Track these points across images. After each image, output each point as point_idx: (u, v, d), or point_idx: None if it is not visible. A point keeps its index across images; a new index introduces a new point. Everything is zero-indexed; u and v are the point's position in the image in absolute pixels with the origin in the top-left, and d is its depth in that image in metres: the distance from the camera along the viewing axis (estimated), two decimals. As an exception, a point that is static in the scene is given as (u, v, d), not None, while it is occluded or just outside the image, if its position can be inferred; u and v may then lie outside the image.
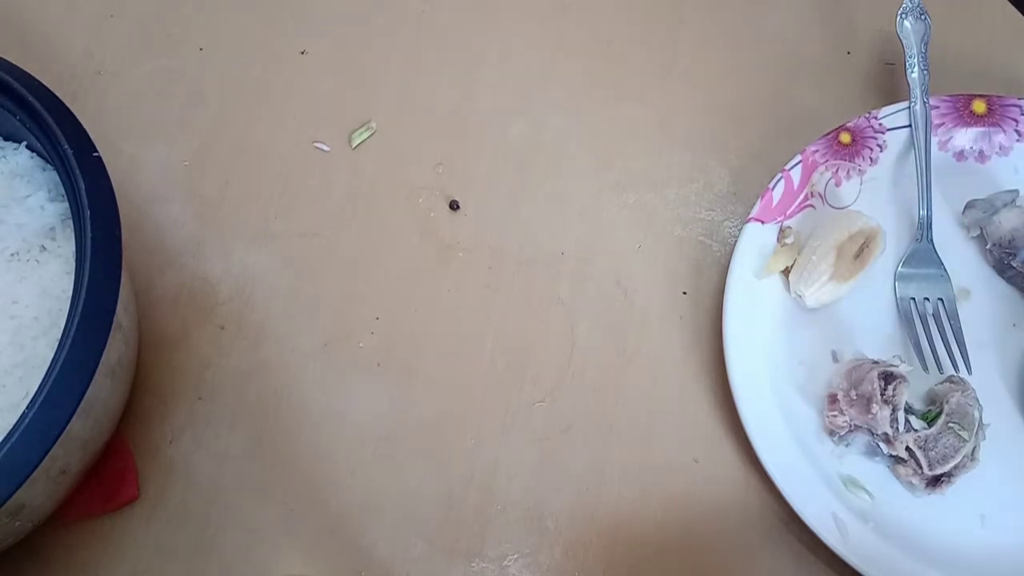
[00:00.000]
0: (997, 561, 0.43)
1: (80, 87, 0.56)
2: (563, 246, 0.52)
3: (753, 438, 0.44)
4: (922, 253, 0.49)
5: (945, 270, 0.49)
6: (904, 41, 0.52)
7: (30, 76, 0.43)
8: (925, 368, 0.47)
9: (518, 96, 0.55)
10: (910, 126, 0.51)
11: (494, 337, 0.49)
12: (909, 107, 0.51)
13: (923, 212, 0.49)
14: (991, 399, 0.46)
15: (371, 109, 0.55)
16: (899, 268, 0.49)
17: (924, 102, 0.51)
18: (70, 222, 0.42)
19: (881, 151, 0.51)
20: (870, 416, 0.44)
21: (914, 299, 0.48)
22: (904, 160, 0.51)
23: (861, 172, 0.51)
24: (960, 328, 0.47)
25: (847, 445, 0.46)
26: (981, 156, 0.52)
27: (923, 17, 0.53)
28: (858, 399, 0.44)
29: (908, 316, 0.48)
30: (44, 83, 0.43)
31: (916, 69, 0.52)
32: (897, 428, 0.43)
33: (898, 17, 0.53)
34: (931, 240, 0.49)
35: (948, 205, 0.50)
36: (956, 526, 0.44)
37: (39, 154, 0.46)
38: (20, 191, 0.45)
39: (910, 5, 0.53)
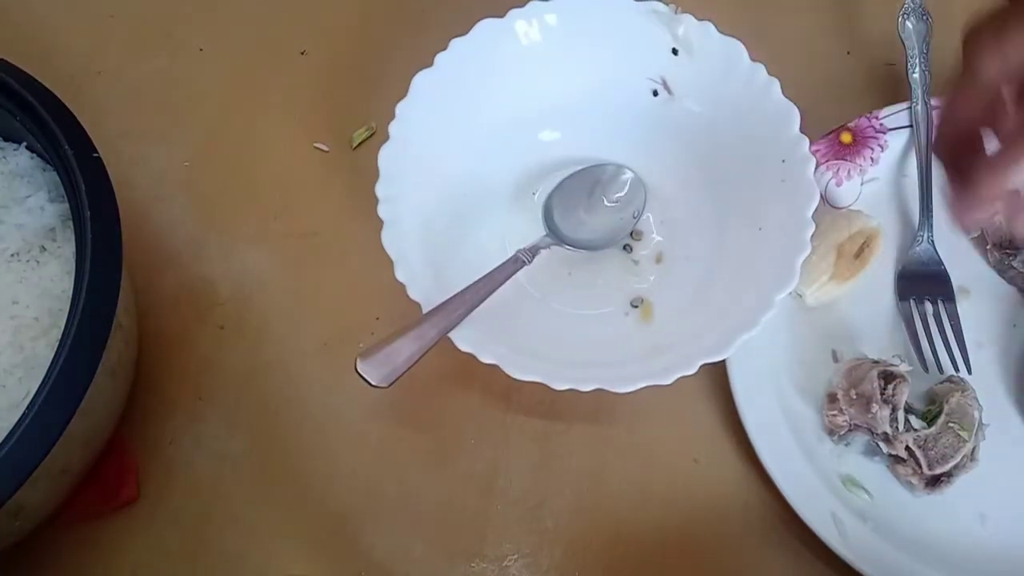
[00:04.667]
0: (997, 561, 0.43)
1: (80, 87, 0.56)
2: (563, 246, 0.52)
3: (753, 438, 0.44)
4: (922, 253, 0.49)
5: (945, 270, 0.49)
6: (905, 41, 0.53)
7: (30, 76, 0.43)
8: (925, 368, 0.47)
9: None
10: (911, 126, 0.51)
11: (494, 337, 0.49)
12: (910, 107, 0.51)
13: (923, 213, 0.49)
14: (991, 399, 0.46)
15: (371, 109, 0.55)
16: (899, 268, 0.49)
17: (925, 102, 0.51)
18: (70, 222, 0.42)
19: (882, 151, 0.51)
20: (870, 415, 0.44)
21: (914, 299, 0.48)
22: (905, 160, 0.51)
23: (862, 172, 0.51)
24: (960, 328, 0.47)
25: (847, 444, 0.46)
26: (981, 156, 0.52)
27: (924, 17, 0.53)
28: (858, 398, 0.44)
29: (908, 316, 0.48)
30: (44, 83, 0.43)
31: (917, 69, 0.52)
32: (897, 428, 0.43)
33: (899, 17, 0.53)
34: (931, 240, 0.49)
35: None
36: (955, 526, 0.44)
37: (39, 155, 0.46)
38: (20, 192, 0.45)
39: (911, 5, 0.53)
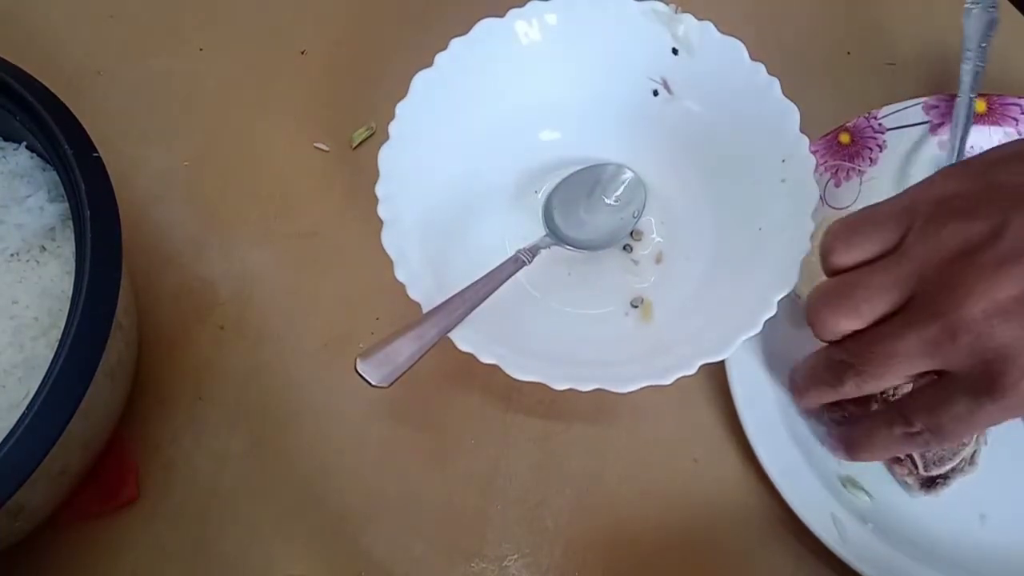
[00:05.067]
0: (997, 561, 0.43)
1: (80, 87, 0.56)
2: (563, 246, 0.52)
3: (752, 438, 0.44)
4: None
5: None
6: (966, 33, 0.52)
7: (30, 76, 0.43)
8: None
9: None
10: (913, 125, 0.51)
11: (494, 337, 0.49)
12: (954, 100, 0.51)
13: None
14: (991, 399, 0.46)
15: (371, 109, 0.55)
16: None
17: (971, 98, 0.50)
18: (70, 222, 0.42)
19: (880, 151, 0.51)
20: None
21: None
22: (903, 160, 0.51)
23: (860, 172, 0.51)
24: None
25: None
26: (981, 156, 0.52)
27: (991, 10, 0.52)
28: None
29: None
30: (44, 83, 0.43)
31: (971, 62, 0.51)
32: None
33: (967, 6, 0.52)
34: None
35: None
36: (956, 526, 0.44)
37: (39, 154, 0.46)
38: (20, 191, 0.45)
39: None
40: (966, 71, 0.51)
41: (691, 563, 0.45)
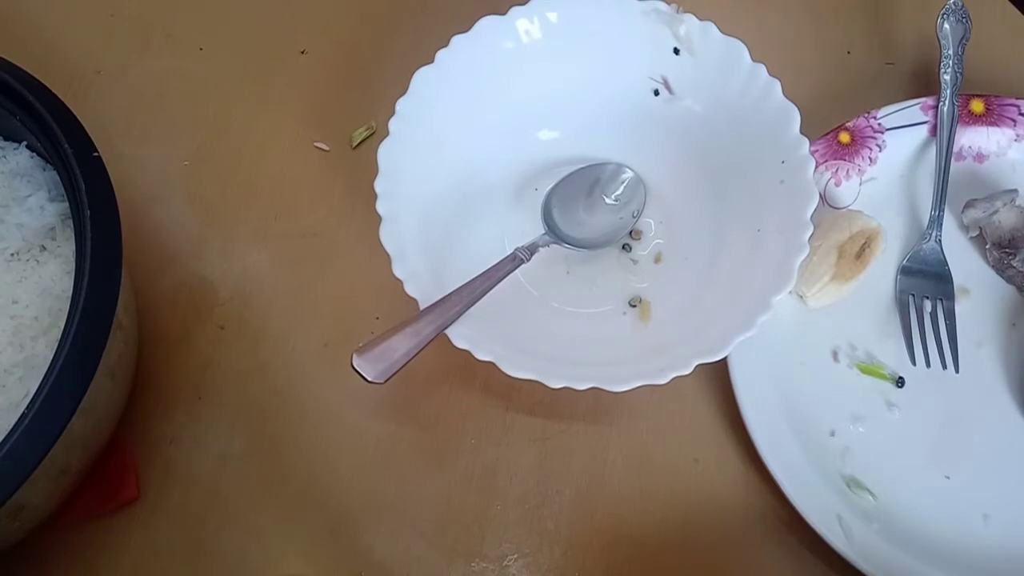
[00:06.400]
0: (1000, 560, 0.43)
1: (80, 87, 0.56)
2: (563, 246, 0.52)
3: (756, 440, 0.44)
4: (928, 252, 0.49)
5: (949, 271, 0.49)
6: (942, 41, 0.53)
7: (30, 76, 0.43)
8: (913, 361, 0.47)
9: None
10: (909, 126, 0.51)
11: (494, 337, 0.49)
12: (937, 106, 0.51)
13: (935, 211, 0.49)
14: (991, 399, 0.46)
15: (371, 109, 0.55)
16: (904, 262, 0.49)
17: (953, 103, 0.51)
18: (70, 222, 0.42)
19: (880, 151, 0.51)
20: None
21: (913, 295, 0.48)
22: (902, 160, 0.52)
23: (860, 172, 0.51)
24: (955, 328, 0.48)
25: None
26: (979, 156, 0.52)
27: (964, 19, 0.53)
28: None
29: (904, 309, 0.48)
30: (44, 83, 0.43)
31: (950, 70, 0.52)
32: None
33: (939, 18, 0.53)
34: (939, 240, 0.49)
35: (947, 205, 0.50)
36: (959, 526, 0.44)
37: (39, 154, 0.46)
38: (20, 191, 0.45)
39: (953, 6, 0.53)
40: (946, 79, 0.52)
41: (691, 563, 0.45)
